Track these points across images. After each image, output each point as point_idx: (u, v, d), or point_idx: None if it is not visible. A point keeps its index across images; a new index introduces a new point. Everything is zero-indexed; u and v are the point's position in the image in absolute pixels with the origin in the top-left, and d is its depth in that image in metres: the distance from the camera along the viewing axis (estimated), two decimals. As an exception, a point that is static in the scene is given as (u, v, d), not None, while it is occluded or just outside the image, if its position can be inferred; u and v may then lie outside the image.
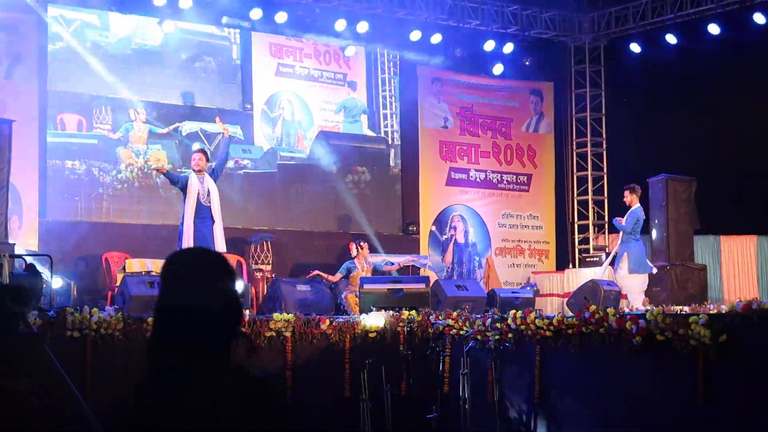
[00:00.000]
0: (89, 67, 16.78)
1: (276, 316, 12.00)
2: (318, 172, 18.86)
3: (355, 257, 15.46)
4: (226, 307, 3.12)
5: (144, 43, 17.59)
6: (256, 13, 17.23)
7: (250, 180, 18.45)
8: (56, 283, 13.38)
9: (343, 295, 14.84)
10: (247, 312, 12.13)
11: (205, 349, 3.04)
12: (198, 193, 13.04)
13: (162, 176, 14.81)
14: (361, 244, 15.65)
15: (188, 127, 17.89)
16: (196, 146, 15.59)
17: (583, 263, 18.87)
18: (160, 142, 17.57)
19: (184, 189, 13.22)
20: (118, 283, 13.35)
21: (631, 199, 15.01)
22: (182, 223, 13.06)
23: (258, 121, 18.69)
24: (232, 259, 15.10)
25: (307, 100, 19.16)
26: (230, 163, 17.84)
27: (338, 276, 15.34)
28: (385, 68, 19.69)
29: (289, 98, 19.06)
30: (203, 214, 12.99)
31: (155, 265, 14.31)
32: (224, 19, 17.58)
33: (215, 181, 13.40)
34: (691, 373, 9.65)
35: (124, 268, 14.33)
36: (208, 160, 13.74)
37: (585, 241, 20.46)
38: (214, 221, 13.06)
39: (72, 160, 16.71)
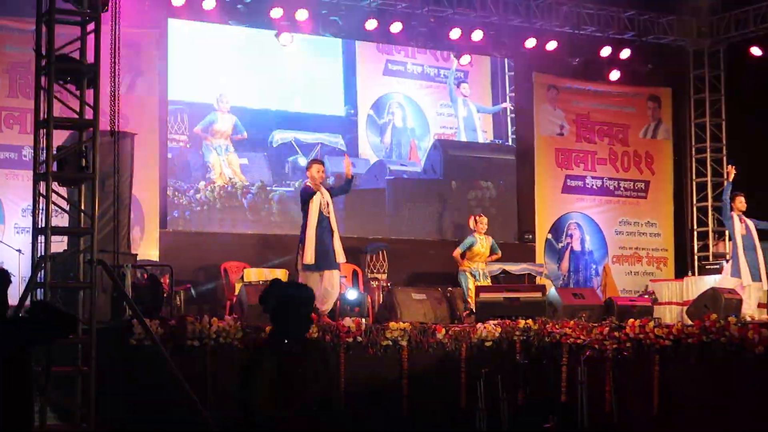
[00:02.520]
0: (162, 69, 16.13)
1: (392, 325, 12.05)
2: (434, 188, 18.02)
3: (474, 231, 15.21)
4: None
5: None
6: (371, 24, 17.21)
7: (354, 199, 16.78)
8: (179, 292, 13.66)
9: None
10: (363, 321, 12.19)
11: None
12: (320, 204, 13.06)
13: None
14: (479, 216, 15.34)
15: (279, 136, 16.92)
16: (312, 158, 15.49)
17: (703, 271, 18.54)
18: (247, 155, 16.63)
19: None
20: (236, 293, 13.53)
21: None
22: (303, 233, 13.06)
23: (363, 129, 17.62)
24: (348, 269, 15.20)
25: (421, 103, 18.23)
26: (330, 179, 16.84)
27: (458, 251, 15.06)
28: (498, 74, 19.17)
29: (400, 101, 18.03)
30: (324, 224, 13.02)
31: (273, 275, 14.46)
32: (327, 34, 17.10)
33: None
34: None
35: (242, 277, 14.51)
36: None
37: (705, 248, 20.11)
38: (333, 231, 13.07)
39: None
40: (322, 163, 13.56)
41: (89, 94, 10.47)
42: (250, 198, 16.56)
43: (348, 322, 11.81)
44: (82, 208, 10.31)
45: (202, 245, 15.93)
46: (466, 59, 18.41)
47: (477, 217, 15.24)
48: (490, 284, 15.02)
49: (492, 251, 15.12)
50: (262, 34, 17.00)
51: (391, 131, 17.94)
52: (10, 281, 6.22)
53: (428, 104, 18.34)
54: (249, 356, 5.88)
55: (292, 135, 17.01)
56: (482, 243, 15.01)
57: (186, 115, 16.33)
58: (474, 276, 14.79)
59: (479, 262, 14.98)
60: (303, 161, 16.62)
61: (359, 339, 11.69)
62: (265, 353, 5.83)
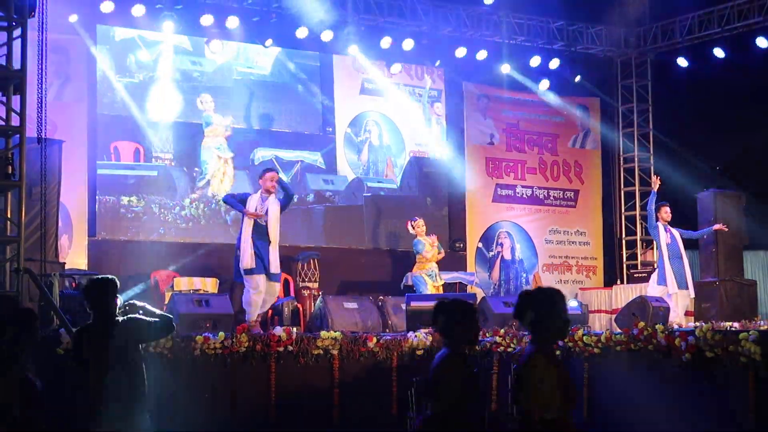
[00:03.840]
0: (142, 89, 16.31)
1: (323, 333, 12.01)
2: (410, 204, 18.21)
3: (416, 235, 15.49)
4: None
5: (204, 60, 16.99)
6: (302, 32, 17.14)
7: (333, 215, 17.51)
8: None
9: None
10: (294, 330, 12.14)
11: None
12: (256, 210, 12.87)
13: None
14: (414, 221, 15.59)
15: (261, 154, 17.19)
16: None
17: (631, 279, 18.74)
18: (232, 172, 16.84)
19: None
20: (166, 302, 13.42)
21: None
22: (239, 240, 12.93)
23: (341, 147, 17.88)
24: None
25: (396, 121, 18.54)
26: (310, 196, 17.35)
27: (419, 257, 15.34)
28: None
29: (376, 119, 18.34)
30: (260, 231, 12.87)
31: (203, 284, 14.37)
32: (268, 42, 17.13)
33: (282, 208, 13.18)
34: (742, 390, 9.57)
35: (172, 286, 14.39)
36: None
37: (633, 256, 20.33)
38: (270, 242, 12.89)
39: (128, 196, 16.06)
40: (268, 170, 13.37)
41: (16, 100, 10.34)
42: (234, 215, 16.43)
43: (279, 331, 11.76)
44: (9, 216, 10.17)
45: (130, 254, 15.75)
46: (396, 68, 18.45)
47: (413, 222, 15.46)
48: (444, 285, 15.27)
49: (438, 250, 15.44)
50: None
51: (368, 149, 18.27)
52: (117, 286, 7.50)
53: (403, 122, 18.66)
54: (522, 366, 5.76)
55: (272, 153, 17.28)
56: (429, 243, 15.25)
57: (170, 132, 16.47)
58: (430, 277, 15.02)
59: (432, 262, 15.23)
60: (283, 177, 16.75)
61: (290, 348, 11.64)
62: (542, 360, 5.70)
